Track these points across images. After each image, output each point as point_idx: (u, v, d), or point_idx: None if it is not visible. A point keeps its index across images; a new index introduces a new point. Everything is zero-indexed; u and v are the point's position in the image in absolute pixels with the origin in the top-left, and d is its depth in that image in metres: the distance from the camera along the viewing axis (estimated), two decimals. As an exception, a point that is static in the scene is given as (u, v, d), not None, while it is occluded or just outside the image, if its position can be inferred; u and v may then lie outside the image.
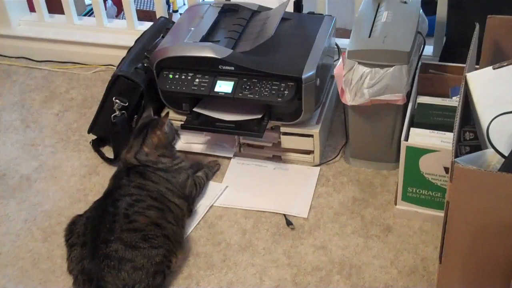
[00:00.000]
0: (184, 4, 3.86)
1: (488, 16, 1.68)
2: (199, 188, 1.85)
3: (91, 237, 1.57)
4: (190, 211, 1.80)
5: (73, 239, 1.62)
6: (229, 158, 2.02)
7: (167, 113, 1.85)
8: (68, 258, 1.60)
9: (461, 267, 1.33)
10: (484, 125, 1.32)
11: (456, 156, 1.22)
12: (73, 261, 1.57)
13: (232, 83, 1.86)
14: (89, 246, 1.55)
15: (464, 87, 1.44)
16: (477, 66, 1.72)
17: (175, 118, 1.99)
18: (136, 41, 2.18)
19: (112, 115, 1.96)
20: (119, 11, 3.59)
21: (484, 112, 1.36)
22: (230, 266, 1.66)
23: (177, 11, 3.45)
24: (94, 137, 2.11)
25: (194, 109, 1.94)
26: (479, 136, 1.43)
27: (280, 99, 1.81)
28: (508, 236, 1.23)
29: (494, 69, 1.42)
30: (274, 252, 1.69)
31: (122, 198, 1.64)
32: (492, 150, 1.25)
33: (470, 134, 1.48)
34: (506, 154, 1.24)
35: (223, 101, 1.89)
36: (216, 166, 1.97)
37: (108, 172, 1.99)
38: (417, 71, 1.90)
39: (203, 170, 1.92)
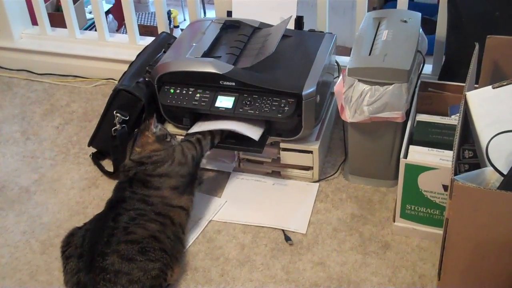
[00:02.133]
0: (184, 20, 3.90)
1: (488, 36, 1.70)
2: (198, 146, 1.84)
3: (88, 249, 1.57)
4: (197, 184, 1.87)
5: (70, 250, 1.62)
6: (229, 173, 2.02)
7: (154, 115, 1.87)
8: (64, 270, 1.60)
9: (460, 285, 1.34)
10: (484, 143, 1.33)
11: (455, 174, 1.23)
12: (69, 273, 1.57)
13: (233, 98, 1.87)
14: (85, 259, 1.55)
15: (463, 105, 1.45)
16: (476, 85, 1.74)
17: (176, 132, 2.00)
18: (137, 56, 2.19)
19: (113, 129, 1.97)
20: (119, 26, 3.62)
21: (484, 130, 1.37)
22: (228, 281, 1.66)
23: (178, 26, 3.49)
24: (94, 150, 2.12)
25: (190, 131, 1.93)
26: (478, 154, 1.44)
27: (280, 115, 1.82)
28: (507, 254, 1.24)
29: (493, 88, 1.44)
30: (273, 267, 1.69)
31: (126, 213, 1.65)
32: (491, 168, 1.26)
33: (469, 152, 1.50)
34: (505, 173, 1.25)
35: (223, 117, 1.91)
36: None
37: (107, 185, 2.00)
38: (417, 89, 1.91)
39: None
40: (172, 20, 3.51)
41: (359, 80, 1.74)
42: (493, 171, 1.26)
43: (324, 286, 1.63)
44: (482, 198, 1.18)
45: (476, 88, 1.61)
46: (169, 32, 2.45)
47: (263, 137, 1.89)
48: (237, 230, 1.82)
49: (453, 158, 1.28)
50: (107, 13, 3.54)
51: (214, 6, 2.41)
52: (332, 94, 2.13)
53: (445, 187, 1.62)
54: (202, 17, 2.69)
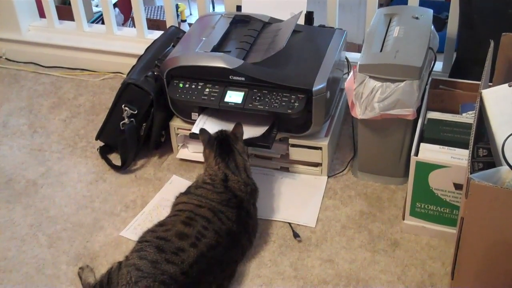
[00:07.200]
0: (190, 14, 3.88)
1: (503, 34, 1.68)
2: None
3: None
4: None
5: None
6: (237, 169, 2.01)
7: None
8: None
9: (474, 284, 1.32)
10: (499, 142, 1.32)
11: (470, 172, 1.22)
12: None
13: (242, 93, 1.86)
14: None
15: (479, 103, 1.44)
16: (490, 84, 1.72)
17: (184, 127, 1.99)
18: (146, 50, 2.18)
19: (121, 123, 1.96)
20: (125, 19, 3.61)
21: (499, 129, 1.36)
22: (236, 277, 1.65)
23: (185, 20, 3.47)
24: (101, 143, 2.11)
25: (193, 131, 1.91)
26: (493, 153, 1.42)
27: (290, 111, 1.81)
28: (522, 254, 1.23)
29: (510, 86, 1.43)
30: (281, 264, 1.69)
31: None
32: (506, 167, 1.25)
33: (483, 151, 1.48)
34: (521, 172, 1.24)
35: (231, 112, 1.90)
36: None
37: (115, 179, 1.99)
38: (428, 86, 1.90)
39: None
40: (179, 14, 3.50)
41: (370, 77, 1.73)
42: (509, 170, 1.24)
43: (333, 283, 1.62)
44: (499, 197, 1.17)
45: (490, 86, 1.60)
46: (177, 26, 2.44)
47: (271, 132, 1.88)
48: (245, 226, 1.81)
49: (469, 156, 1.27)
50: (113, 6, 3.53)
51: (224, 0, 2.40)
52: (342, 90, 2.12)
53: (456, 186, 1.60)
54: (210, 11, 2.67)
